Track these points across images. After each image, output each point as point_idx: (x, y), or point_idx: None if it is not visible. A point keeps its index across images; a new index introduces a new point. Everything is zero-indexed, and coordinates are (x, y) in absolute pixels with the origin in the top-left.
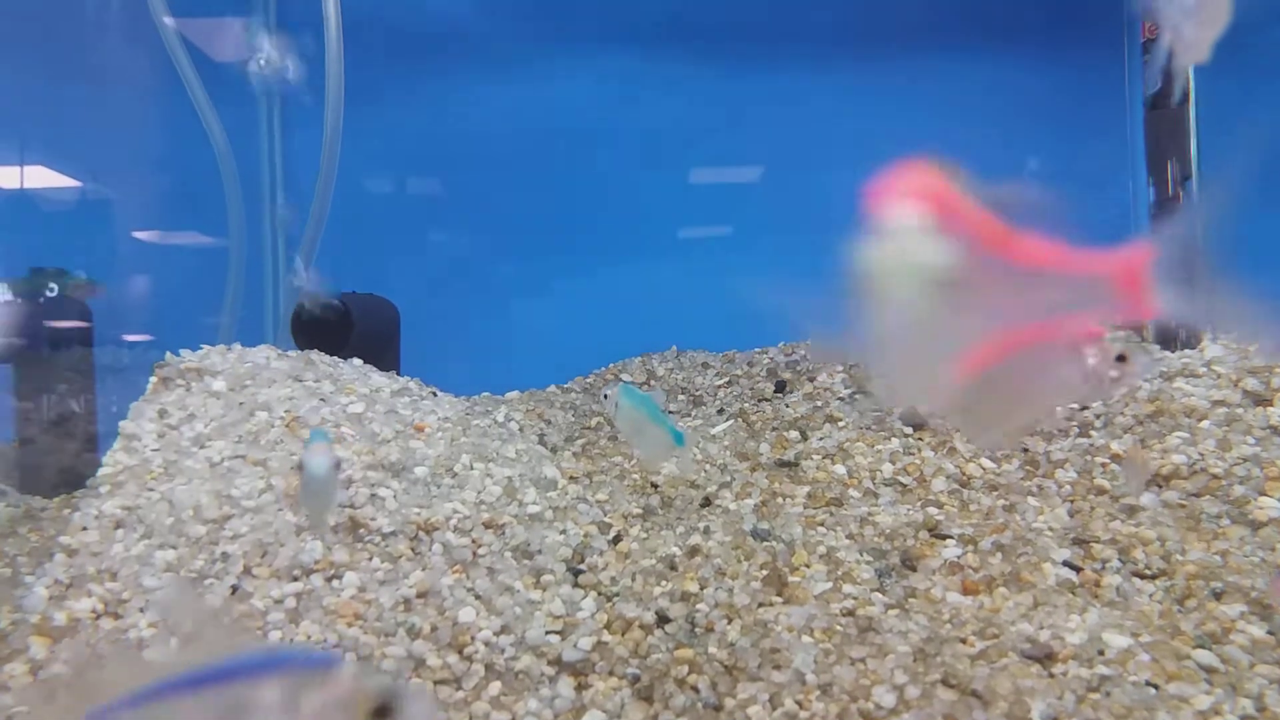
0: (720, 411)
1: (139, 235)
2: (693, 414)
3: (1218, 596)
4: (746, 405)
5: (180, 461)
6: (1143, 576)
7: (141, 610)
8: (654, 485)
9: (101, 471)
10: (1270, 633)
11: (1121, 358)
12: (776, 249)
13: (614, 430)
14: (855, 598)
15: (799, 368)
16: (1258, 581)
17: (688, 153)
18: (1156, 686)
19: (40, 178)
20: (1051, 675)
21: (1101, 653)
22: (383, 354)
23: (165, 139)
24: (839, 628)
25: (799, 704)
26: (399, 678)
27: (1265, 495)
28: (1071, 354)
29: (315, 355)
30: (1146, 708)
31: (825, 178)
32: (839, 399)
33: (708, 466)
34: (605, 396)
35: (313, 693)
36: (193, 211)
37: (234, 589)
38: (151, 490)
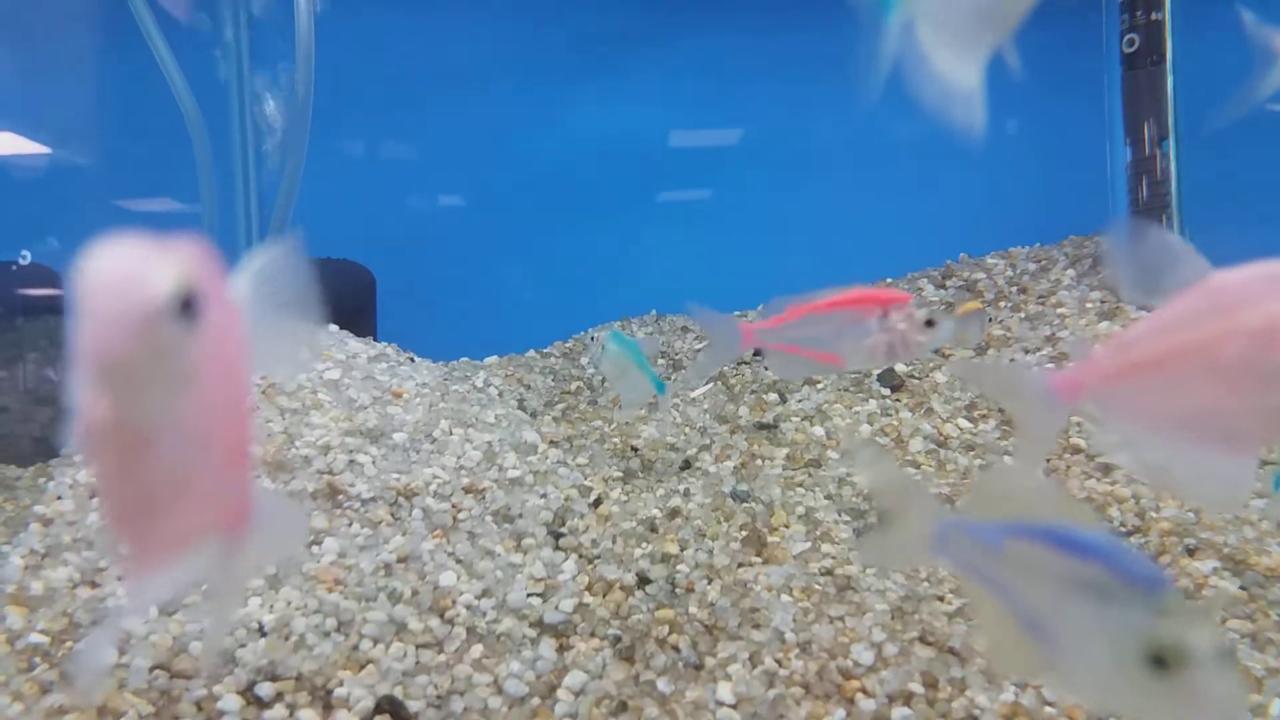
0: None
1: (109, 201)
2: (672, 378)
3: (1191, 553)
4: (725, 368)
5: None
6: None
7: (119, 579)
8: (634, 449)
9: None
10: (1243, 588)
11: (929, 323)
12: (756, 212)
13: (593, 395)
14: (834, 557)
15: None
16: (1230, 538)
17: (667, 114)
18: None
19: (7, 144)
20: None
21: None
22: (359, 320)
23: (133, 103)
24: (818, 587)
25: (778, 662)
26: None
27: None
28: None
29: None
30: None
31: (804, 139)
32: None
33: (687, 429)
34: (593, 339)
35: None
36: (163, 176)
37: None
38: None
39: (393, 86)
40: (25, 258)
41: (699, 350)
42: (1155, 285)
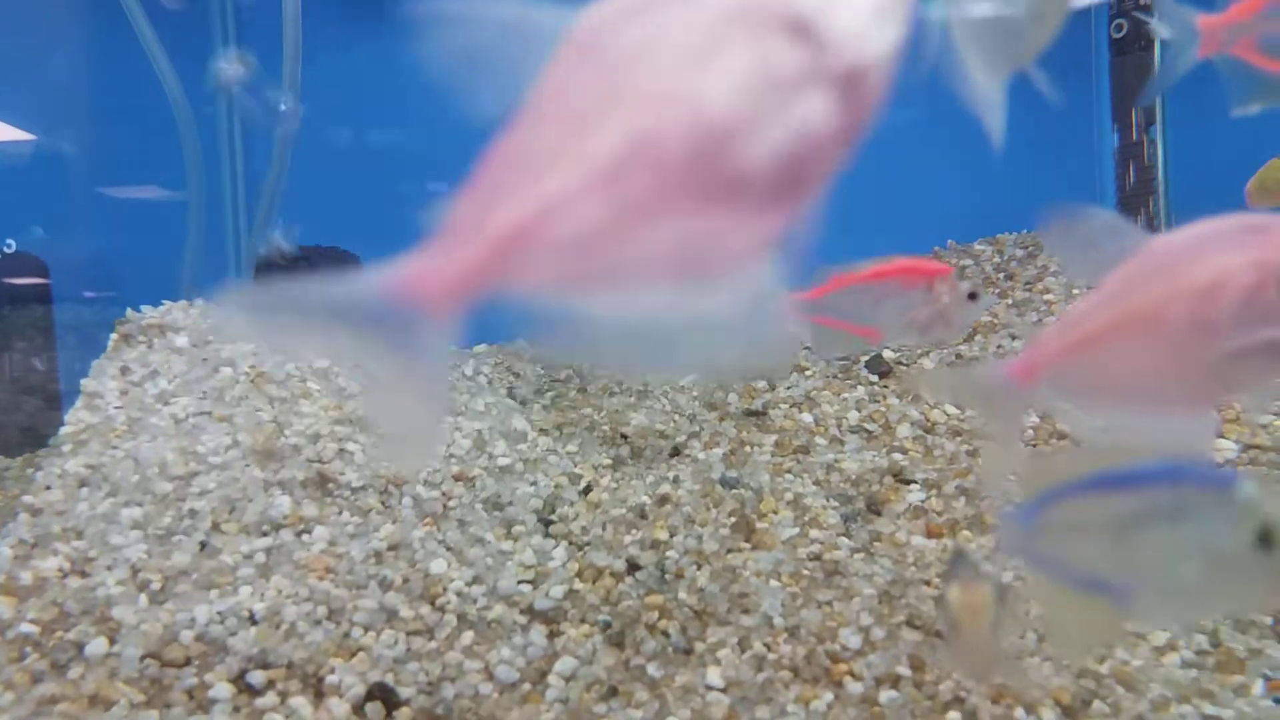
0: None
1: (95, 189)
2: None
3: None
4: None
5: (144, 419)
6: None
7: (109, 568)
8: (623, 436)
9: (64, 430)
10: None
11: (972, 295)
12: None
13: (583, 383)
14: (822, 542)
15: None
16: None
17: None
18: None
19: None
20: (1013, 614)
21: None
22: None
23: (118, 88)
24: (806, 572)
25: (767, 646)
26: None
27: (1223, 437)
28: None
29: None
30: (1104, 645)
31: None
32: (806, 348)
33: (676, 417)
34: None
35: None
36: (150, 163)
37: (203, 545)
38: (115, 448)
39: (380, 71)
40: (10, 246)
41: None
42: (1097, 262)
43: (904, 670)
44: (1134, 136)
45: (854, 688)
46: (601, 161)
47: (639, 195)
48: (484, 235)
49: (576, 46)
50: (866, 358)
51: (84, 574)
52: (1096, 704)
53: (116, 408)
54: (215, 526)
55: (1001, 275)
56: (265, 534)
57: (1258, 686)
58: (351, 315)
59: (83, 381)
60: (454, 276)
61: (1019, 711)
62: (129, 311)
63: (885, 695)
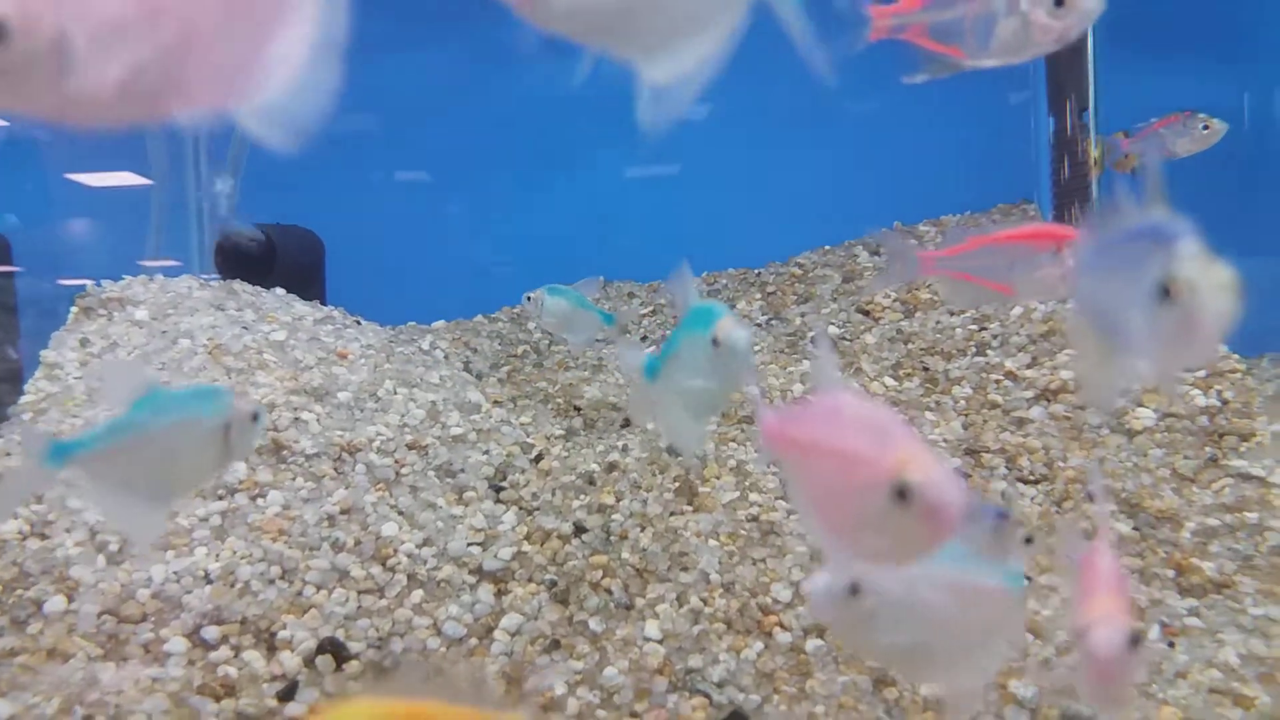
0: (644, 339)
1: (61, 175)
2: (617, 342)
3: (1092, 498)
4: (669, 332)
5: (103, 388)
6: (1026, 482)
7: (68, 530)
8: (576, 408)
9: (24, 399)
10: (1135, 528)
11: None
12: (696, 183)
13: (539, 358)
14: (760, 505)
15: (719, 297)
16: (1128, 484)
17: (621, 81)
18: (1029, 579)
19: None
20: None
21: None
22: (307, 285)
23: None
24: (743, 532)
25: (703, 601)
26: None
27: (1142, 406)
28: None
29: (238, 285)
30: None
31: (743, 113)
32: (755, 324)
33: (629, 390)
34: (529, 299)
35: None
36: (118, 150)
37: None
38: (75, 417)
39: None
40: None
41: (645, 315)
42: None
43: None
44: (1068, 122)
45: (783, 638)
46: None
47: None
48: None
49: None
50: (813, 333)
51: (43, 536)
52: None
53: (76, 378)
54: None
55: None
56: (221, 498)
57: (1154, 632)
58: None
59: (42, 353)
60: None
61: None
62: (89, 286)
63: (811, 644)
